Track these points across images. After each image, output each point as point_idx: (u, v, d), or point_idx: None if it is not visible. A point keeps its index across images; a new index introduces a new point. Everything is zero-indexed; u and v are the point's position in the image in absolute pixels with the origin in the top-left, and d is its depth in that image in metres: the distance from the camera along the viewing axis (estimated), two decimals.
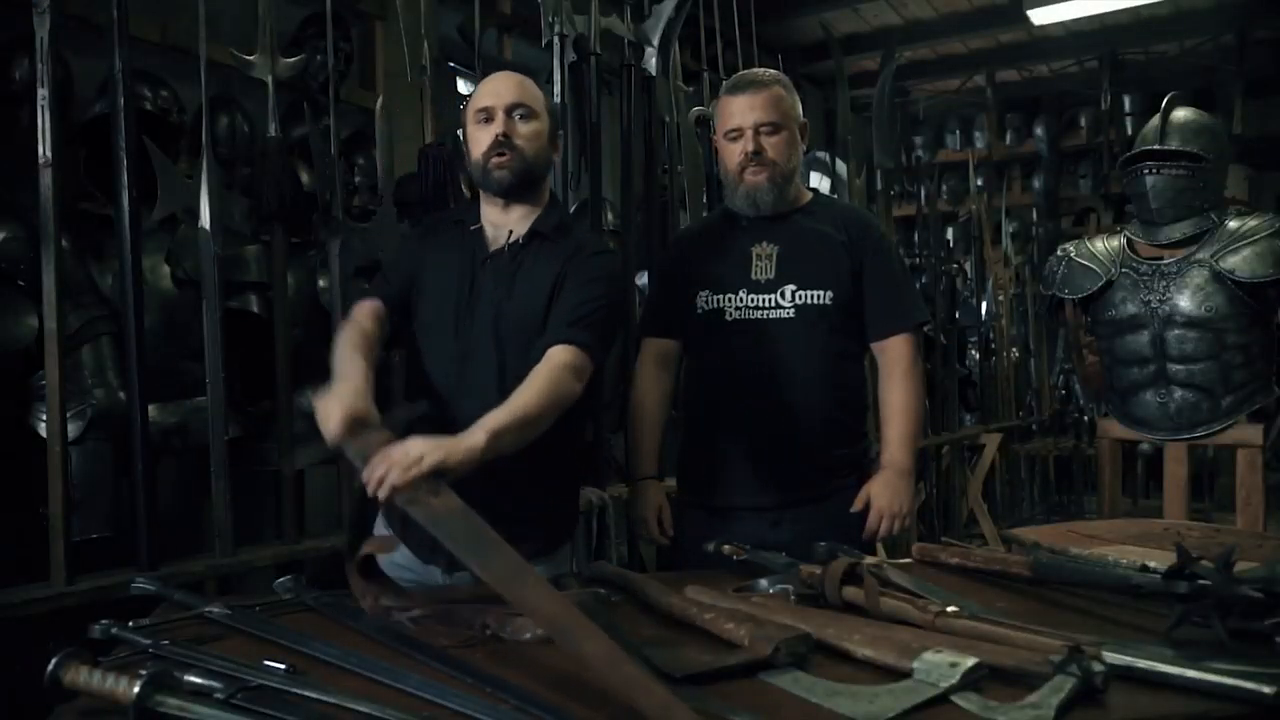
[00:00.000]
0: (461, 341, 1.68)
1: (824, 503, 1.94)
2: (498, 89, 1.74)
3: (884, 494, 1.92)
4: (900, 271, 2.09)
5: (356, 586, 1.40)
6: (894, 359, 2.01)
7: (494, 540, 1.23)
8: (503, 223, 1.75)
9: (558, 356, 1.58)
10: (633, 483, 2.13)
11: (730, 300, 1.98)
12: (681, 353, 2.13)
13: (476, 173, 1.75)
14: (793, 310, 1.95)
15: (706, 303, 2.00)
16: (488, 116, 1.72)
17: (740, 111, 1.96)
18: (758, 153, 1.94)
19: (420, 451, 1.33)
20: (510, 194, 1.73)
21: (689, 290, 2.03)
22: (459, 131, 1.95)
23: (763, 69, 2.08)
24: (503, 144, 1.70)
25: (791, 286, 1.96)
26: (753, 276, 1.98)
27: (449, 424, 1.50)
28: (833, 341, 1.98)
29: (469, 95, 1.84)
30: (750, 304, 1.97)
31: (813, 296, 1.96)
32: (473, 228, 1.77)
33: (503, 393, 1.54)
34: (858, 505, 1.93)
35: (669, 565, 2.22)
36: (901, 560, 1.66)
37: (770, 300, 1.96)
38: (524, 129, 1.72)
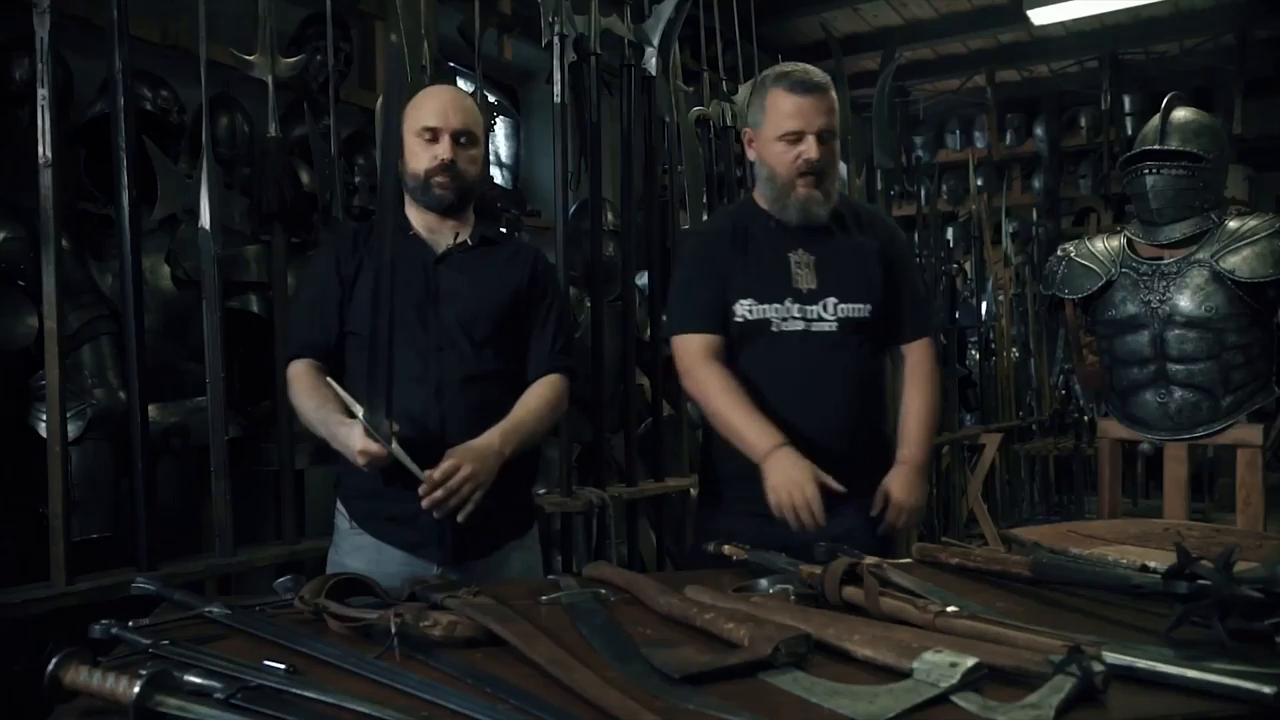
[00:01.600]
0: (432, 335, 1.76)
1: (849, 504, 1.92)
2: (445, 111, 1.78)
3: (902, 489, 1.93)
4: (919, 276, 2.09)
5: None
6: (919, 362, 2.03)
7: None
8: (439, 229, 1.84)
9: (556, 384, 1.84)
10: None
11: (776, 311, 1.93)
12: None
13: (413, 183, 1.80)
14: (835, 324, 1.93)
15: (750, 312, 1.94)
16: (433, 136, 1.78)
17: (804, 114, 1.88)
18: (819, 161, 1.88)
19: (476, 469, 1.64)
20: (448, 211, 1.82)
21: (727, 295, 1.96)
22: None
23: (813, 67, 1.96)
24: (447, 168, 1.77)
25: (833, 299, 1.93)
26: (795, 286, 1.93)
27: (426, 413, 1.72)
28: (868, 352, 1.98)
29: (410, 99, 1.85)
30: (795, 315, 1.93)
31: (854, 309, 1.94)
32: (409, 233, 1.82)
33: (480, 380, 1.76)
34: (878, 504, 1.92)
35: (685, 567, 2.19)
36: (901, 560, 1.66)
37: (813, 312, 1.93)
38: (466, 154, 1.80)
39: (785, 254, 1.95)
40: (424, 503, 1.61)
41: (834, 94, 1.92)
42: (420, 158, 1.78)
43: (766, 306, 1.94)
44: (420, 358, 1.74)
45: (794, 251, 1.95)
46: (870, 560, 1.58)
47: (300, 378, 1.77)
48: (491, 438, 1.69)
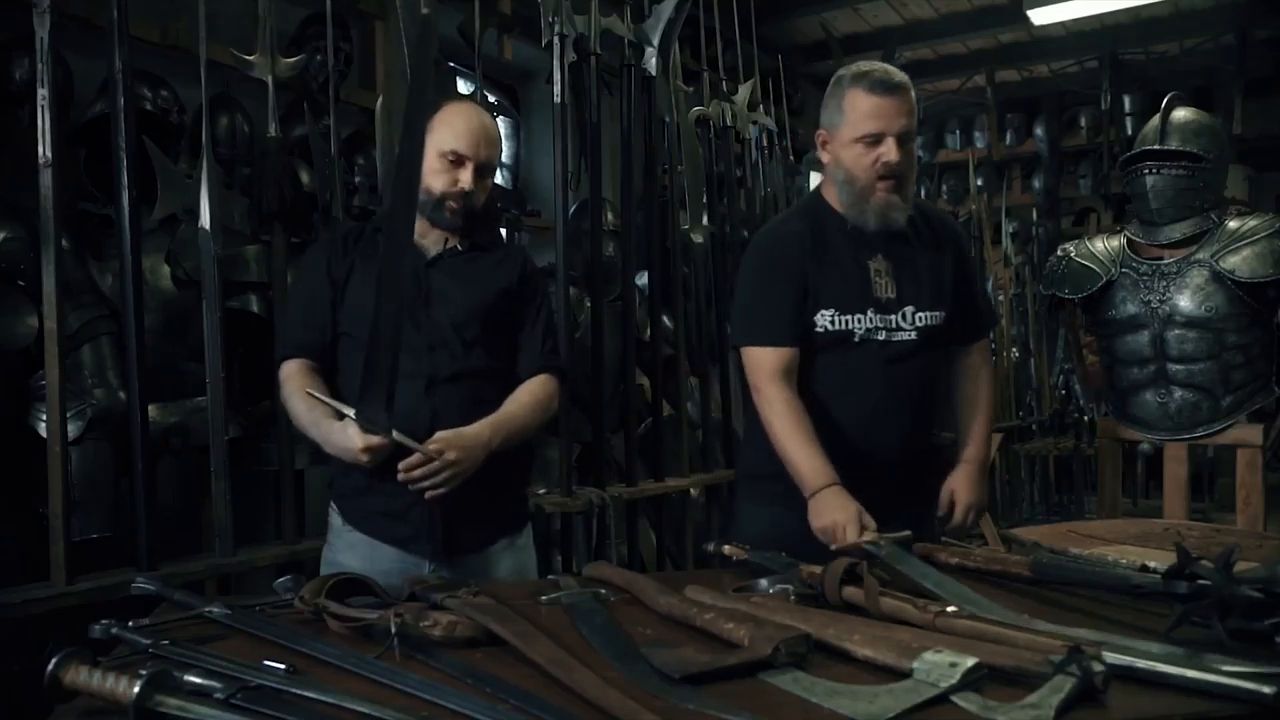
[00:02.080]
0: (425, 334, 1.78)
1: (903, 510, 1.90)
2: (477, 141, 1.79)
3: (968, 488, 1.95)
4: (979, 275, 2.09)
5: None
6: (980, 362, 2.07)
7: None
8: (428, 234, 1.85)
9: (547, 383, 1.85)
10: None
11: (860, 322, 1.88)
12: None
13: (424, 198, 1.77)
14: (914, 332, 1.90)
15: (831, 323, 1.88)
16: (458, 161, 1.78)
17: (884, 115, 1.81)
18: (899, 165, 1.83)
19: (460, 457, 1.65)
20: (453, 230, 1.84)
21: (806, 304, 1.89)
22: None
23: (892, 66, 1.88)
24: (466, 196, 1.79)
25: (911, 307, 1.90)
26: (876, 295, 1.89)
27: (418, 409, 1.72)
28: (938, 357, 1.98)
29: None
30: (876, 325, 1.89)
31: (931, 318, 1.91)
32: None
33: (469, 376, 1.77)
34: (944, 504, 1.94)
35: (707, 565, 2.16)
36: (900, 533, 1.65)
37: (893, 321, 1.89)
38: (483, 184, 1.82)
39: (865, 261, 1.89)
40: (400, 476, 1.64)
41: (913, 94, 1.85)
42: (440, 178, 1.77)
43: (849, 317, 1.88)
44: (414, 357, 1.75)
45: (873, 259, 1.90)
46: (869, 537, 1.61)
47: (292, 379, 1.77)
48: (482, 428, 1.72)
